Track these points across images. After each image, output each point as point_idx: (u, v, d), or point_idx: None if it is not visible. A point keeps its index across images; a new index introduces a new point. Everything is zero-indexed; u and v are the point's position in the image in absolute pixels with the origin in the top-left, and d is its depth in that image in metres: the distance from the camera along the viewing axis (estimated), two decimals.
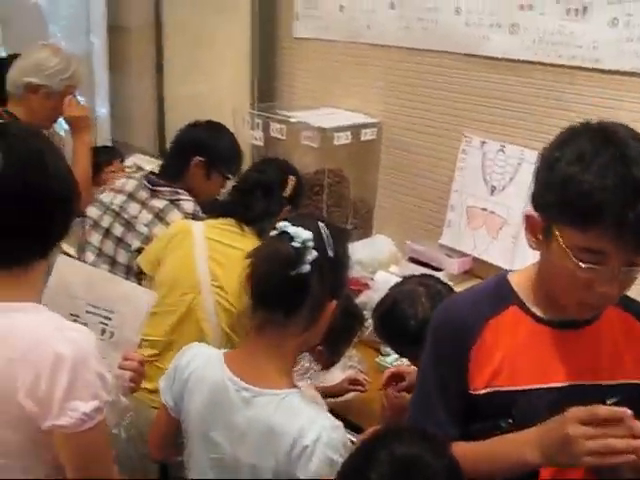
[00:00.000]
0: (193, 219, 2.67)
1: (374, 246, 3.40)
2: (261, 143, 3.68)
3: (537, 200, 1.44)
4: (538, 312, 1.51)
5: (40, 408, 1.34)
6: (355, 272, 3.19)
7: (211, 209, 2.66)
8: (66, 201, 1.48)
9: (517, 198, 3.06)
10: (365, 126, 3.48)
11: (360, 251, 3.34)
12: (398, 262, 3.29)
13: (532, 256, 2.76)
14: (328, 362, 2.16)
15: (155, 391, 2.41)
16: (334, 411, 2.24)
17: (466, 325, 1.50)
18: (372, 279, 3.15)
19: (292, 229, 1.49)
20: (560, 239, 1.34)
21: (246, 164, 3.94)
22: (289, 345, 1.57)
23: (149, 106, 4.90)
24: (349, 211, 3.60)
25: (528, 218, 1.47)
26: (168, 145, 3.12)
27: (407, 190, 3.46)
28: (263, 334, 1.57)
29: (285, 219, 1.56)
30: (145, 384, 2.37)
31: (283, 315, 1.53)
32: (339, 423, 1.52)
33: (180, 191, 2.77)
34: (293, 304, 1.52)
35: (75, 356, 1.34)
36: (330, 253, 1.52)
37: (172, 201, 2.72)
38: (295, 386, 1.59)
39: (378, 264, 3.26)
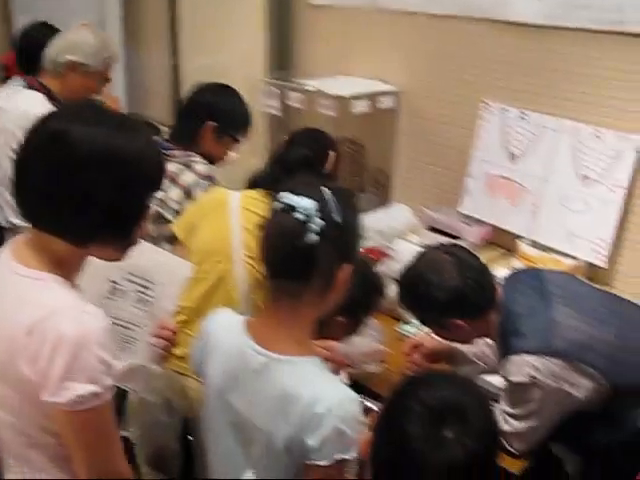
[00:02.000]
0: (208, 180, 2.69)
1: (393, 215, 3.37)
2: (278, 112, 3.66)
3: None
4: None
5: (37, 379, 1.34)
6: (374, 241, 3.19)
7: (253, 183, 2.63)
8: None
9: (537, 166, 3.04)
10: (383, 94, 3.46)
11: (379, 220, 3.33)
12: (417, 231, 3.27)
13: (552, 226, 2.77)
14: (348, 332, 2.15)
15: (183, 357, 2.44)
16: (355, 380, 2.27)
17: None
18: (391, 248, 3.14)
19: (294, 200, 1.47)
20: None
21: (263, 134, 3.96)
22: (305, 313, 1.56)
23: (164, 76, 4.88)
24: (367, 180, 3.58)
25: None
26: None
27: (426, 158, 3.44)
28: (278, 303, 1.56)
29: (287, 188, 1.52)
30: (173, 350, 2.41)
31: (295, 284, 1.52)
32: (355, 396, 1.51)
33: (192, 154, 2.77)
34: (303, 274, 1.50)
35: (78, 337, 1.32)
36: (337, 219, 1.48)
37: (185, 164, 2.73)
38: (312, 354, 1.59)
39: (397, 233, 3.23)
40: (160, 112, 4.88)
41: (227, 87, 2.95)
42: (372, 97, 3.40)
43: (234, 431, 1.63)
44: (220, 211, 2.45)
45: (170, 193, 2.69)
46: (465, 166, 3.25)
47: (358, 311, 2.10)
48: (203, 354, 1.70)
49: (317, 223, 1.45)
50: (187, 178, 2.70)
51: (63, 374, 1.32)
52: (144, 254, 1.73)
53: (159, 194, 2.65)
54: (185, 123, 2.89)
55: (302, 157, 2.52)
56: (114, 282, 1.72)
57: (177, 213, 2.65)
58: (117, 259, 1.49)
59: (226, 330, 1.66)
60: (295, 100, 3.52)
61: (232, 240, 2.37)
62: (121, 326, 1.73)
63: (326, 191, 1.50)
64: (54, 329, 1.33)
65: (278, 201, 1.51)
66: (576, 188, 2.93)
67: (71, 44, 3.16)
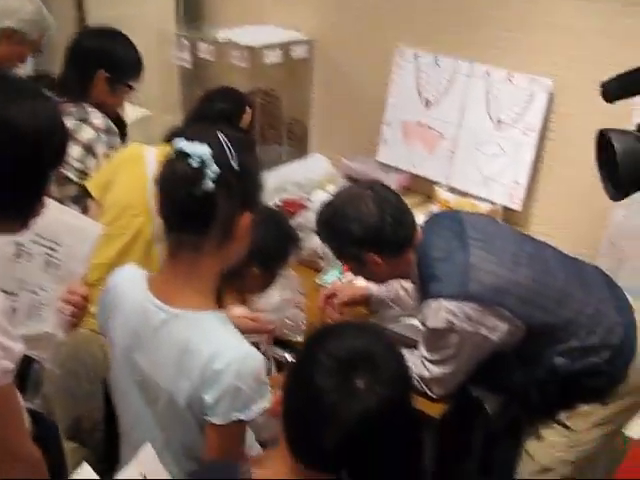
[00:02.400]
0: (107, 134, 2.60)
1: (310, 166, 3.33)
2: (189, 65, 3.55)
3: None
4: None
5: None
6: (291, 193, 3.15)
7: (169, 139, 2.54)
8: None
9: (452, 111, 3.03)
10: (296, 43, 3.39)
11: (296, 172, 3.29)
12: (335, 181, 3.24)
13: (469, 171, 2.78)
14: (264, 284, 2.12)
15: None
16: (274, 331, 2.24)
17: None
18: (309, 199, 3.10)
19: (188, 147, 1.40)
20: None
21: (175, 88, 3.84)
22: (206, 266, 1.50)
23: (69, 29, 4.68)
24: (283, 132, 3.52)
25: None
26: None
27: (342, 108, 3.40)
28: (178, 256, 1.51)
29: (182, 134, 1.46)
30: (90, 308, 2.34)
31: (194, 236, 1.46)
32: (255, 353, 1.46)
33: (87, 107, 2.65)
34: (202, 224, 1.44)
35: None
36: (234, 165, 1.42)
37: (81, 119, 2.61)
38: (215, 308, 1.54)
39: (315, 184, 3.20)
40: None
41: (113, 31, 2.78)
42: (284, 47, 3.33)
43: (140, 390, 1.58)
44: (136, 165, 2.37)
45: (70, 152, 2.56)
46: (381, 114, 3.22)
47: (272, 262, 2.07)
48: (107, 311, 1.64)
49: (213, 170, 1.39)
50: (85, 134, 2.58)
51: None
52: (52, 215, 1.65)
53: None
54: (74, 73, 2.73)
55: (219, 112, 2.46)
56: (19, 244, 1.62)
57: (80, 172, 2.55)
58: (18, 231, 1.41)
59: (130, 286, 1.60)
60: (206, 52, 3.42)
61: (149, 193, 2.30)
62: (28, 291, 1.64)
63: (222, 137, 1.44)
64: None
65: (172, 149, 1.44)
66: (491, 132, 2.93)
67: (8, 11, 2.95)
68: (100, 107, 2.68)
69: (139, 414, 1.61)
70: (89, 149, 2.58)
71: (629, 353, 2.07)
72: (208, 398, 1.43)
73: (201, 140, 1.42)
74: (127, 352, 1.59)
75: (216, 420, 1.45)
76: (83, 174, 2.55)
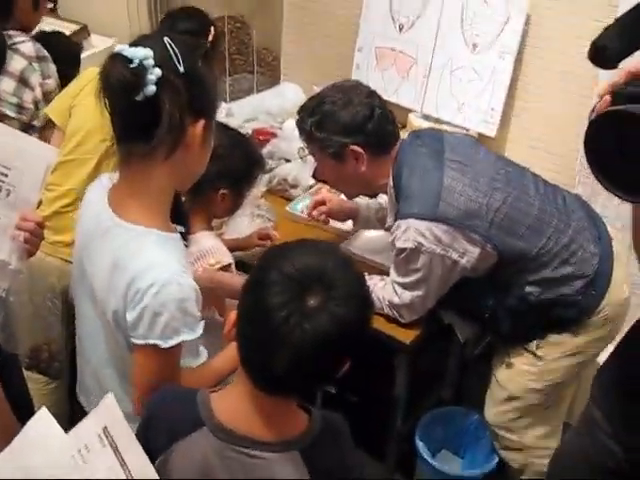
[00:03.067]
0: (39, 61, 2.48)
1: (282, 94, 3.25)
2: None
3: None
4: None
5: None
6: (263, 122, 3.09)
7: None
8: None
9: (426, 35, 2.94)
10: None
11: (268, 100, 3.22)
12: None
13: (443, 97, 2.70)
14: (231, 206, 2.07)
15: (71, 243, 2.32)
16: (244, 262, 2.20)
17: None
18: (280, 128, 3.03)
19: (129, 51, 1.32)
20: None
21: (144, 15, 3.71)
22: (156, 175, 1.42)
23: None
24: (253, 59, 3.42)
25: None
26: None
27: (314, 34, 3.29)
28: (128, 167, 1.44)
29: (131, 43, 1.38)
30: (60, 237, 2.29)
31: (141, 144, 1.38)
32: (184, 281, 1.39)
33: (12, 33, 2.49)
34: (146, 130, 1.36)
35: None
36: (180, 68, 1.34)
37: (9, 47, 2.45)
38: (162, 226, 1.45)
39: (287, 113, 3.12)
40: None
41: None
42: None
43: (90, 300, 1.54)
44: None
45: (2, 86, 2.45)
46: (354, 40, 3.12)
47: (239, 182, 2.02)
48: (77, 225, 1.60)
49: (155, 72, 1.31)
50: (17, 64, 2.44)
51: None
52: (3, 140, 1.58)
53: None
54: None
55: (181, 32, 2.36)
56: None
57: (17, 106, 2.44)
58: None
59: (95, 194, 1.55)
60: None
61: None
62: None
63: (167, 40, 1.36)
64: None
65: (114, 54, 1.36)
66: (466, 57, 2.85)
67: None
68: (25, 30, 2.53)
69: (87, 326, 1.58)
70: (24, 81, 2.46)
71: (603, 285, 2.04)
72: (129, 317, 1.39)
73: (144, 45, 1.34)
74: (79, 260, 1.55)
75: (135, 340, 1.40)
76: (20, 108, 2.44)
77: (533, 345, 2.10)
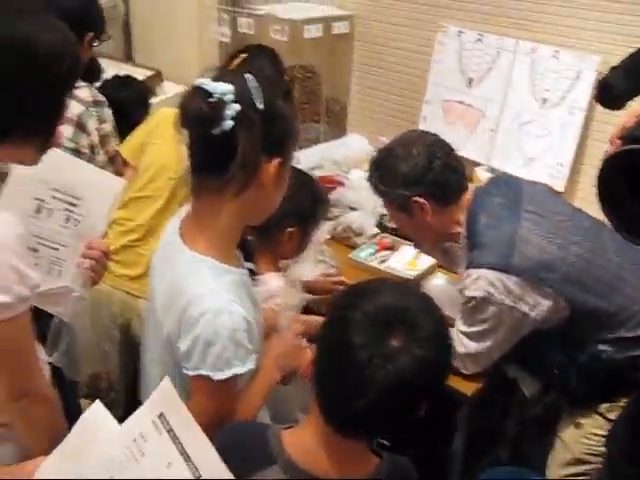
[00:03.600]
0: (95, 105, 2.50)
1: (348, 144, 3.30)
2: (228, 40, 3.51)
3: None
4: None
5: None
6: (328, 170, 3.11)
7: None
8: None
9: (495, 90, 2.95)
10: (337, 18, 3.33)
11: (334, 149, 3.25)
12: None
13: (511, 151, 2.69)
14: (298, 246, 2.07)
15: (136, 278, 2.36)
16: (309, 307, 2.20)
17: None
18: (346, 177, 3.05)
19: (209, 84, 1.32)
20: None
21: (215, 63, 3.80)
22: (226, 210, 1.41)
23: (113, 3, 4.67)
24: (321, 108, 3.47)
25: None
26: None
27: (381, 86, 3.33)
28: (198, 199, 1.44)
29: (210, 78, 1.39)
30: (126, 270, 2.33)
31: (214, 177, 1.38)
32: (235, 311, 1.37)
33: None
34: (220, 164, 1.36)
35: None
36: (259, 105, 1.34)
37: None
38: (218, 257, 1.43)
39: (352, 163, 3.16)
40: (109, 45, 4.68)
41: None
42: (325, 22, 3.27)
43: (153, 326, 1.54)
44: (170, 128, 2.34)
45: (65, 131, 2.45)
46: (421, 92, 3.15)
47: (306, 221, 2.03)
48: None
49: (233, 108, 1.32)
50: (74, 109, 2.45)
51: None
52: (72, 170, 1.63)
53: None
54: None
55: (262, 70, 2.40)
56: (40, 200, 1.60)
57: (74, 152, 2.42)
58: (33, 162, 1.38)
59: (172, 228, 1.56)
60: (245, 26, 3.37)
61: (184, 155, 2.27)
62: (48, 247, 1.62)
63: (249, 77, 1.37)
64: None
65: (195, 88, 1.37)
66: (535, 112, 2.85)
67: None
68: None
69: (150, 345, 1.58)
70: (81, 126, 2.48)
71: None
72: (182, 346, 1.38)
73: (226, 80, 1.35)
74: (153, 299, 1.55)
75: (188, 372, 1.39)
76: (77, 153, 2.45)
77: (603, 408, 2.03)
